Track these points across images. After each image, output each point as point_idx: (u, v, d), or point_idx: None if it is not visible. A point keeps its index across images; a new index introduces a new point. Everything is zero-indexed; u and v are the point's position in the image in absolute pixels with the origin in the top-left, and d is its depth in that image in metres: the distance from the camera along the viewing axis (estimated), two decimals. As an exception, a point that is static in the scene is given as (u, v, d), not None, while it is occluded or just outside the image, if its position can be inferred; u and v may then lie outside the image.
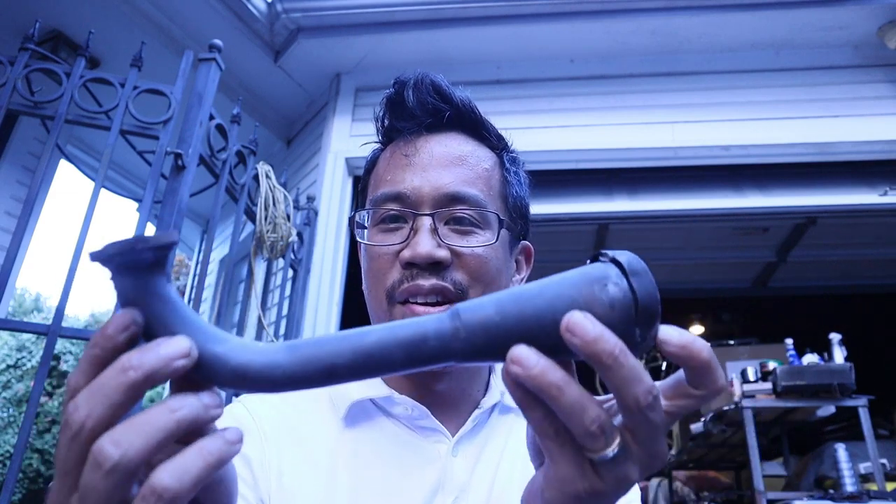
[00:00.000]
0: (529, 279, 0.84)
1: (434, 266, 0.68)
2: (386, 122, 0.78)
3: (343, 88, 3.40)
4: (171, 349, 0.33)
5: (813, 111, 3.11)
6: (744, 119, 3.14)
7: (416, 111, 0.74)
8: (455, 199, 0.71)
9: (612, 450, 0.35)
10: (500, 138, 0.80)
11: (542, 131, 3.18)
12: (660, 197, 3.27)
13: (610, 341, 0.34)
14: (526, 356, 0.34)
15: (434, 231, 0.69)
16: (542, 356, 0.34)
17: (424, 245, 0.67)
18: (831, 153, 3.11)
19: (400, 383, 0.73)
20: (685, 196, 3.24)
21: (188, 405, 0.32)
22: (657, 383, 0.38)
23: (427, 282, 0.68)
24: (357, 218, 0.77)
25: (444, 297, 0.68)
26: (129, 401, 0.32)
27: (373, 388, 0.72)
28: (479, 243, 0.70)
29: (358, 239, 0.76)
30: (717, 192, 3.24)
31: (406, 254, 0.68)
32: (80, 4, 3.04)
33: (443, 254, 0.68)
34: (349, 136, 3.29)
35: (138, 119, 1.83)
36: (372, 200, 0.75)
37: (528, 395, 0.35)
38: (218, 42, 2.00)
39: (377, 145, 0.82)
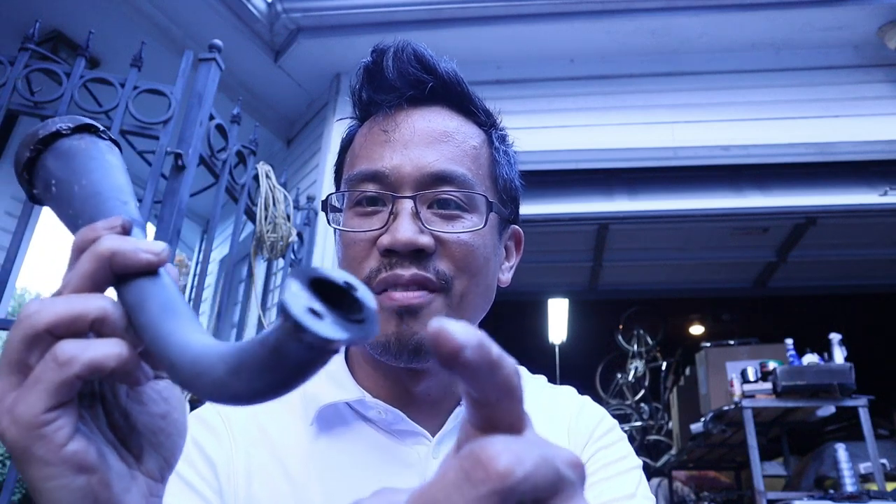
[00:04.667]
0: (518, 268, 0.78)
1: (415, 254, 0.62)
2: (363, 94, 0.71)
3: (343, 88, 3.40)
4: (144, 244, 0.35)
5: (813, 111, 3.11)
6: (744, 119, 3.14)
7: (397, 82, 0.68)
8: (439, 179, 0.64)
9: None
10: (489, 114, 0.73)
11: (542, 131, 3.18)
12: (660, 197, 3.27)
13: None
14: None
15: (416, 215, 0.63)
16: None
17: (405, 231, 0.61)
18: (831, 153, 3.10)
19: (376, 384, 0.69)
20: (685, 196, 3.24)
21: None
22: None
23: (407, 272, 0.62)
24: (331, 201, 0.70)
25: (425, 289, 0.63)
26: (96, 274, 0.34)
27: (345, 390, 0.68)
28: (465, 229, 0.64)
29: (332, 225, 0.70)
30: (717, 192, 3.24)
31: (385, 240, 0.62)
32: (80, 4, 3.04)
33: (425, 241, 0.62)
34: (349, 136, 3.29)
35: (138, 119, 1.83)
36: (347, 180, 0.69)
37: None
38: (218, 42, 2.00)
39: (353, 122, 0.76)
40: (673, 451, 5.67)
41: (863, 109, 3.08)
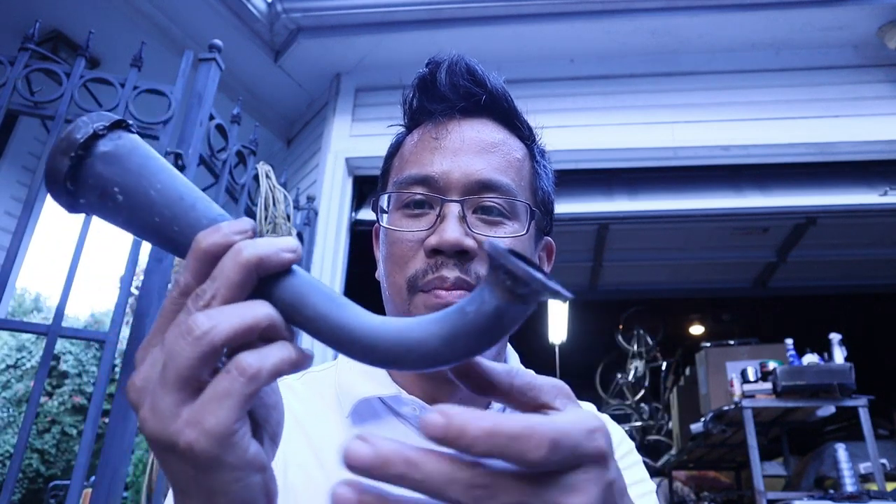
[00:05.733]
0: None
1: (460, 255, 0.66)
2: (415, 103, 0.75)
3: (343, 88, 3.40)
4: (282, 243, 0.36)
5: (813, 111, 3.11)
6: (744, 119, 3.14)
7: (449, 94, 0.72)
8: (486, 186, 0.68)
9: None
10: (531, 129, 0.78)
11: (543, 131, 3.17)
12: (660, 197, 3.27)
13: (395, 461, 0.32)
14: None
15: (462, 219, 0.66)
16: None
17: (452, 232, 0.65)
18: (831, 153, 3.11)
19: (411, 382, 0.71)
20: (685, 196, 3.24)
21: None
22: None
23: (451, 274, 0.65)
24: (379, 201, 0.74)
25: (467, 292, 0.66)
26: (245, 282, 0.35)
27: (381, 385, 0.70)
28: (507, 234, 0.68)
29: (380, 223, 0.72)
30: (717, 192, 3.24)
31: (432, 240, 0.65)
32: (80, 4, 3.04)
33: (470, 243, 0.65)
34: (349, 136, 3.29)
35: (138, 119, 1.83)
36: (396, 182, 0.72)
37: None
38: (218, 42, 2.00)
39: (401, 130, 0.80)
40: (673, 451, 5.66)
41: (863, 109, 3.08)
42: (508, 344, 0.81)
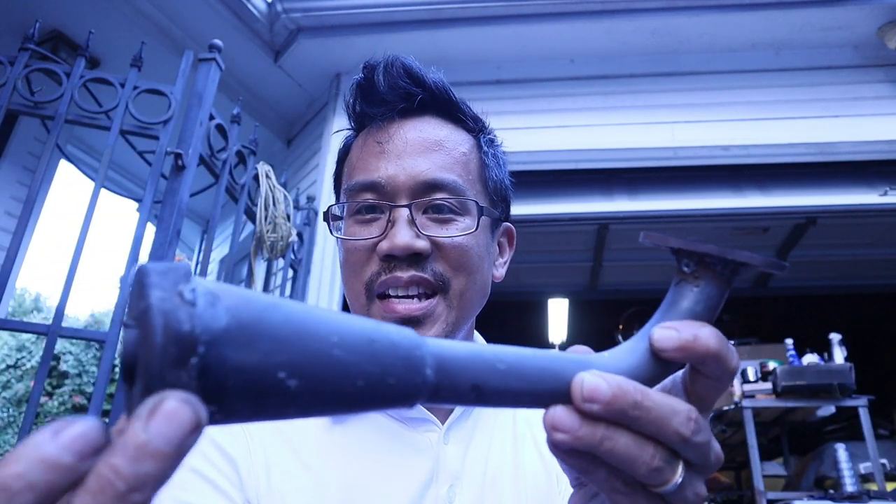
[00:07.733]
0: (519, 268, 0.82)
1: (413, 258, 0.66)
2: (357, 108, 0.75)
3: (343, 88, 3.40)
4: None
5: (813, 111, 3.11)
6: (744, 119, 3.14)
7: (388, 96, 0.71)
8: (432, 186, 0.68)
9: (679, 476, 0.33)
10: (477, 120, 0.77)
11: (542, 131, 3.18)
12: (660, 197, 3.27)
13: (629, 391, 0.32)
14: (568, 416, 0.31)
15: (412, 222, 0.67)
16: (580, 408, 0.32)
17: (402, 237, 0.66)
18: (831, 153, 3.11)
19: None
20: (685, 196, 3.24)
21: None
22: (672, 380, 0.37)
23: (405, 273, 0.66)
24: (331, 210, 0.74)
25: (423, 289, 0.67)
26: None
27: None
28: (459, 231, 0.68)
29: (333, 233, 0.73)
30: (717, 192, 3.24)
31: (384, 246, 0.66)
32: (80, 4, 3.04)
33: (422, 245, 0.66)
34: (349, 136, 3.28)
35: (138, 119, 1.83)
36: (346, 191, 0.73)
37: (587, 458, 0.33)
38: (218, 42, 2.00)
39: (349, 132, 0.79)
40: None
41: (863, 109, 3.08)
42: (476, 331, 0.81)
